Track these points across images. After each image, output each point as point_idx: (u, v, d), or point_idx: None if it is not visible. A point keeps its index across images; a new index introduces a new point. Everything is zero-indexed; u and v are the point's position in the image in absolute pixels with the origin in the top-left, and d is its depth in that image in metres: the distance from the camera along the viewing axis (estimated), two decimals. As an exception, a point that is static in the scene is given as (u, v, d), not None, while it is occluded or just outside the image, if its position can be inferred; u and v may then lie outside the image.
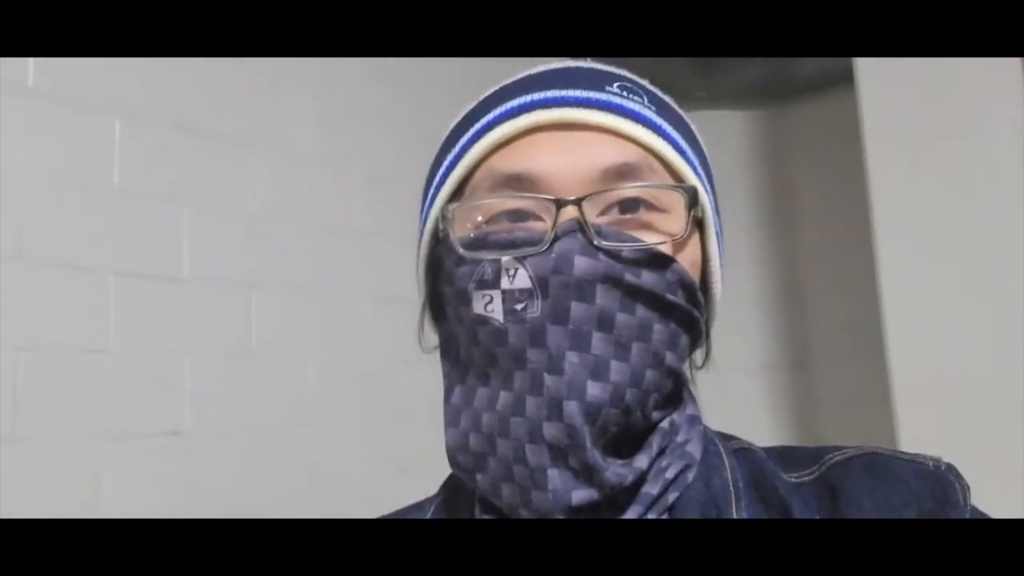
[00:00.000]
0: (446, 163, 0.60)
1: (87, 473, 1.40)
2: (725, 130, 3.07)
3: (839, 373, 2.85)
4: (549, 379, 0.52)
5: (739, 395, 2.92)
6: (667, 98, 0.61)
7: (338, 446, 1.78)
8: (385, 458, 1.82)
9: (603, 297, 0.52)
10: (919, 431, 1.82)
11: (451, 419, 0.58)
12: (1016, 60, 1.85)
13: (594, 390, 0.51)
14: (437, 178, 0.60)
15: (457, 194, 0.58)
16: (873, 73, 2.03)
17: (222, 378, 1.62)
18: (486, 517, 0.57)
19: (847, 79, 2.12)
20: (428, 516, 0.64)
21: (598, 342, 0.52)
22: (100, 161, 1.48)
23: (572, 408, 0.51)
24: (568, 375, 0.51)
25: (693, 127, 0.62)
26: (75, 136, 1.44)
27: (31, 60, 1.38)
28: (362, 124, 1.96)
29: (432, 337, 0.62)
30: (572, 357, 0.52)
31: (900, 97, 1.99)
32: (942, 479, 0.56)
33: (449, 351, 0.60)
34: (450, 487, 0.64)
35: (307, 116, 1.86)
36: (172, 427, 1.53)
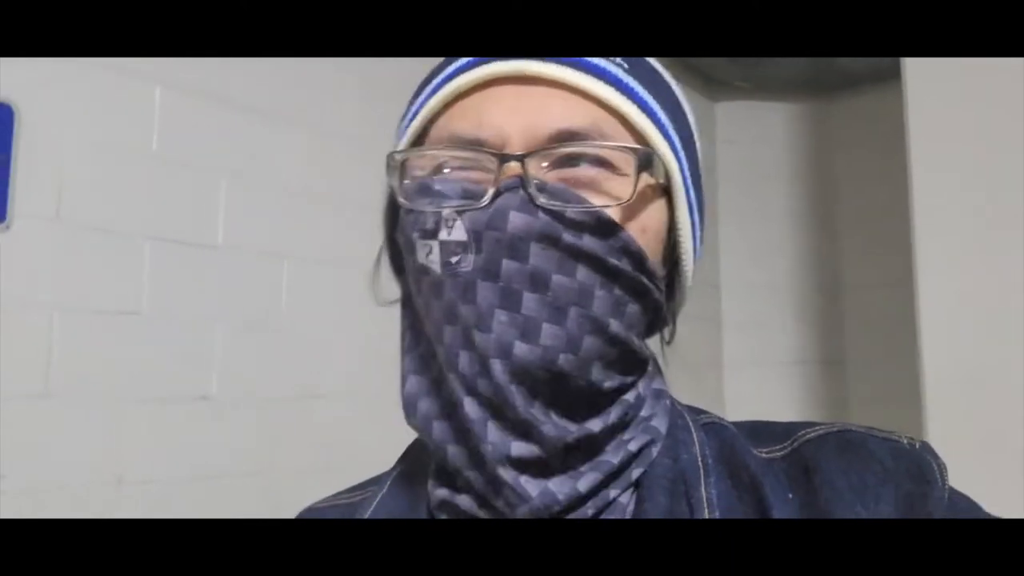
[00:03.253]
0: (408, 114, 0.60)
1: (117, 433, 1.42)
2: (767, 122, 3.03)
3: (873, 371, 2.81)
4: (477, 336, 0.51)
5: (771, 389, 2.90)
6: (652, 62, 0.59)
7: (365, 418, 1.79)
8: (409, 431, 1.82)
9: (537, 256, 0.51)
10: (948, 432, 1.79)
11: (416, 367, 0.57)
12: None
13: (520, 350, 0.50)
14: (400, 128, 0.61)
15: (416, 145, 0.58)
16: (921, 70, 1.99)
17: (252, 346, 1.64)
18: (439, 491, 0.56)
19: (894, 75, 2.08)
20: (384, 491, 0.62)
21: (530, 302, 0.51)
22: (140, 127, 1.49)
23: (497, 367, 0.50)
24: (496, 332, 0.50)
25: (679, 94, 0.60)
26: (116, 101, 1.46)
27: (76, 24, 1.40)
28: (398, 104, 1.96)
29: (389, 291, 0.62)
30: (501, 315, 0.50)
31: (947, 95, 1.95)
32: (918, 458, 0.54)
33: (408, 303, 0.59)
34: (410, 457, 0.63)
35: (346, 94, 1.87)
36: (202, 392, 1.55)
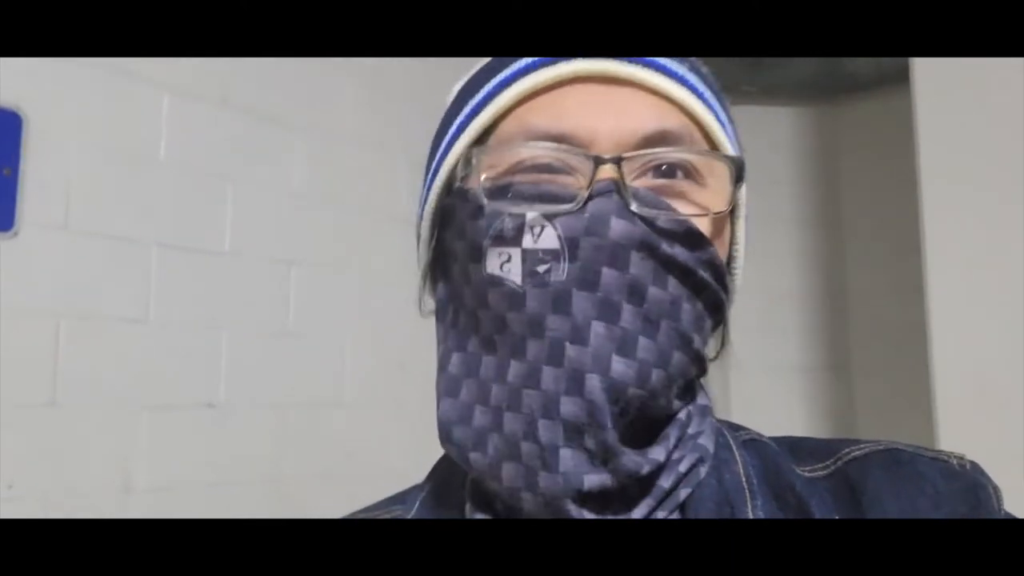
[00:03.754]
0: (467, 109, 0.54)
1: (124, 440, 1.42)
2: (774, 126, 3.02)
3: (879, 378, 2.80)
4: (571, 349, 0.46)
5: (777, 395, 2.89)
6: (705, 69, 0.56)
7: (370, 426, 1.79)
8: (416, 440, 1.82)
9: (637, 266, 0.47)
10: (960, 439, 1.78)
11: (448, 389, 0.52)
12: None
13: (619, 366, 0.46)
14: (454, 125, 0.55)
15: (479, 143, 0.53)
16: (929, 72, 1.98)
17: (258, 353, 1.64)
18: (478, 515, 0.52)
19: (902, 78, 2.07)
20: (412, 513, 0.57)
21: (628, 315, 0.47)
22: (147, 135, 1.50)
23: (594, 383, 0.46)
24: (593, 346, 0.46)
25: (726, 101, 0.57)
26: (123, 109, 1.46)
27: (84, 32, 1.40)
28: (406, 108, 1.96)
29: (430, 302, 0.57)
30: (599, 328, 0.46)
31: (956, 98, 1.94)
32: (972, 480, 0.52)
33: (447, 314, 0.55)
34: (439, 475, 0.58)
35: (353, 98, 1.87)
36: (208, 399, 1.55)
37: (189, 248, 1.54)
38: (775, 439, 0.58)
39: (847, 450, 0.55)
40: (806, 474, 0.54)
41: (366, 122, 1.89)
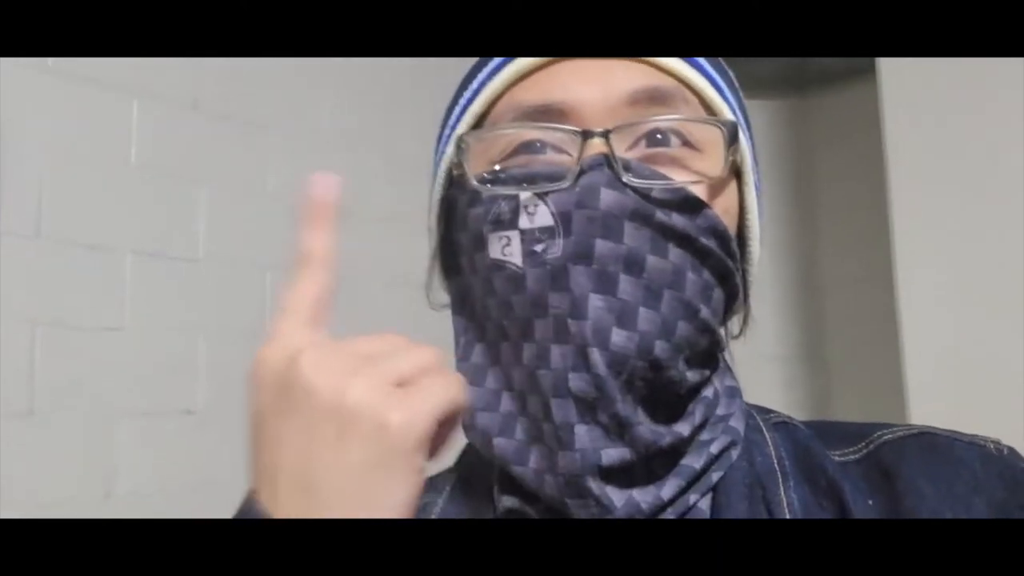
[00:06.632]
0: (464, 98, 0.55)
1: (102, 449, 1.41)
2: (744, 120, 3.04)
3: (854, 367, 2.84)
4: (573, 325, 0.46)
5: (752, 385, 2.91)
6: None
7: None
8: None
9: (632, 236, 0.47)
10: (931, 424, 1.81)
11: (473, 378, 0.52)
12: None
13: (618, 338, 0.46)
14: (453, 116, 0.55)
15: (475, 130, 0.53)
16: (895, 67, 2.01)
17: (236, 358, 1.63)
18: (505, 498, 0.52)
19: (869, 70, 2.10)
20: (443, 498, 0.56)
21: (626, 285, 0.46)
22: (118, 140, 1.48)
23: (596, 356, 0.46)
24: (592, 319, 0.46)
25: (730, 72, 0.57)
26: (94, 116, 1.45)
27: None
28: (382, 110, 1.96)
29: (440, 295, 0.57)
30: (596, 300, 0.46)
31: (922, 89, 1.97)
32: (1010, 464, 0.51)
33: (463, 307, 0.55)
34: (465, 463, 0.58)
35: (325, 99, 1.87)
36: (186, 406, 1.54)
37: (163, 254, 1.53)
38: (804, 423, 0.57)
39: (879, 433, 0.54)
40: (837, 458, 0.53)
41: (341, 124, 1.89)
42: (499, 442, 0.50)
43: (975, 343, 1.83)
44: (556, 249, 0.47)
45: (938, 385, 1.86)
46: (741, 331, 0.57)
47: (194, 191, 1.59)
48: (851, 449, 0.54)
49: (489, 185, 0.49)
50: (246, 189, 1.68)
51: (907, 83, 1.99)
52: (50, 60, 1.39)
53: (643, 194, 0.47)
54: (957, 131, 1.91)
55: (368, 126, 1.94)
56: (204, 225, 1.60)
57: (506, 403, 0.51)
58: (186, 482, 1.51)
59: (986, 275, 1.84)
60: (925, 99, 1.96)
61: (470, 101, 0.54)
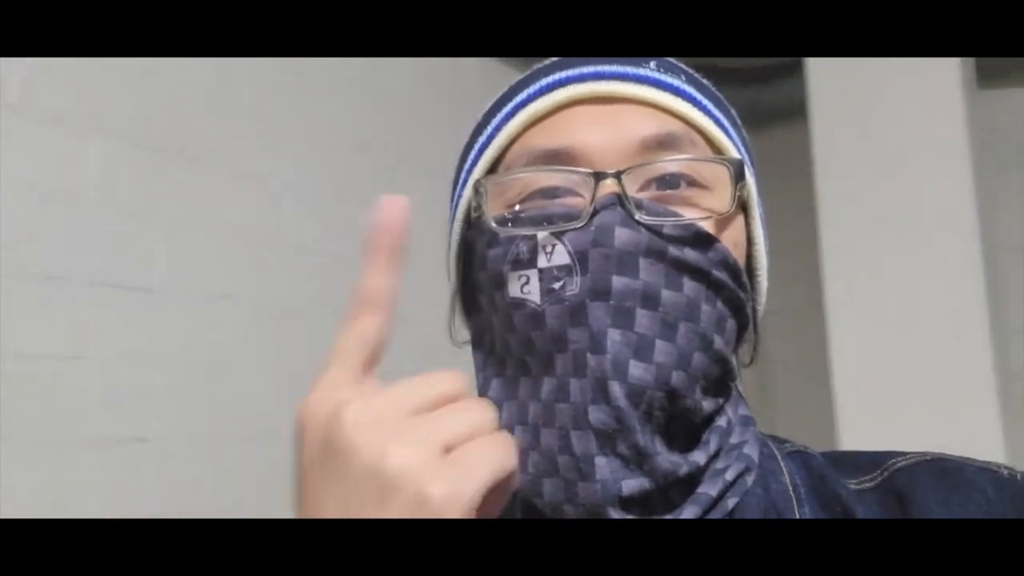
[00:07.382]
0: (479, 143, 0.57)
1: (55, 477, 1.42)
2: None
3: (787, 394, 2.93)
4: (592, 359, 0.48)
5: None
6: (705, 81, 0.58)
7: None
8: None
9: (647, 271, 0.49)
10: (858, 433, 1.93)
11: None
12: (955, 61, 2.00)
13: (636, 371, 0.48)
14: (469, 160, 0.58)
15: (490, 174, 0.56)
16: (826, 107, 2.15)
17: (190, 388, 1.65)
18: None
19: (801, 111, 2.23)
20: None
21: (643, 319, 0.48)
22: (76, 174, 1.51)
23: (616, 389, 0.47)
24: (611, 353, 0.48)
25: (733, 111, 0.59)
26: (52, 151, 1.48)
27: (16, 77, 1.42)
28: (337, 143, 2.00)
29: (461, 332, 0.59)
30: (614, 335, 0.48)
31: (851, 133, 2.11)
32: (1022, 489, 0.52)
33: (483, 343, 0.56)
34: None
35: (287, 138, 1.90)
36: (140, 434, 1.56)
37: (120, 285, 1.55)
38: (820, 453, 0.59)
39: (892, 461, 0.55)
40: (853, 486, 0.54)
41: (298, 162, 1.93)
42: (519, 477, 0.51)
43: (901, 368, 1.97)
44: (574, 286, 0.49)
45: (866, 408, 1.99)
46: (752, 360, 0.58)
47: (151, 225, 1.62)
48: (867, 478, 0.55)
49: (508, 226, 0.51)
50: (201, 223, 1.71)
51: (837, 124, 2.13)
52: (13, 96, 1.42)
53: (656, 231, 0.49)
54: (884, 170, 2.06)
55: (327, 162, 1.98)
56: (160, 258, 1.63)
57: (519, 437, 0.51)
58: (136, 510, 1.52)
59: (910, 306, 1.98)
60: (854, 141, 2.11)
61: (485, 146, 0.56)
